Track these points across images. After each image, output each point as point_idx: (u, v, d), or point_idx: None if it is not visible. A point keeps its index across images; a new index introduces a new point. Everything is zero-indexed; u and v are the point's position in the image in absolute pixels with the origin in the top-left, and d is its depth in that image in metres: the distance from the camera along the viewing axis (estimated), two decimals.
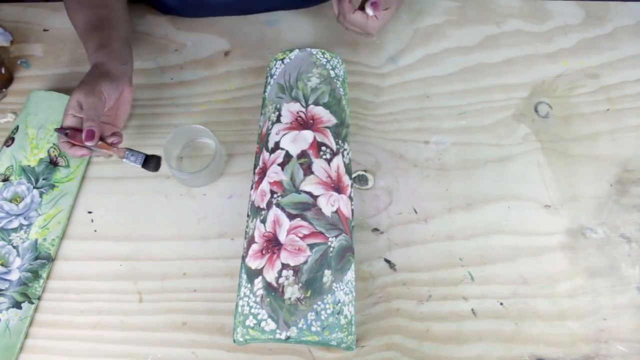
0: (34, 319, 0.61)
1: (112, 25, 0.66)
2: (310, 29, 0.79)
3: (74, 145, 0.58)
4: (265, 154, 0.61)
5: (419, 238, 0.64)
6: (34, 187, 0.63)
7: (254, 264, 0.55)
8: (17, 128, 0.66)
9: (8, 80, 0.74)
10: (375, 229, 0.65)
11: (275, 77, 0.66)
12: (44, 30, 0.79)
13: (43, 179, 0.64)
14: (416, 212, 0.66)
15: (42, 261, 0.62)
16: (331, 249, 0.54)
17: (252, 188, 0.61)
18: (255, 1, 0.77)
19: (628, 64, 0.75)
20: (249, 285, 0.54)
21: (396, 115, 0.71)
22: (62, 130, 0.57)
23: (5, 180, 0.62)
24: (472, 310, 0.61)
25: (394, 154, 0.69)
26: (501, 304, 0.61)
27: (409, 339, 0.59)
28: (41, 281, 0.62)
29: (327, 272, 0.53)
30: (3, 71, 0.73)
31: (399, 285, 0.62)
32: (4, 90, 0.74)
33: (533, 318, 0.60)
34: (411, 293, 0.61)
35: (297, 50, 0.66)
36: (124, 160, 0.60)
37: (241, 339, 0.52)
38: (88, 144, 0.56)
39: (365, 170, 0.68)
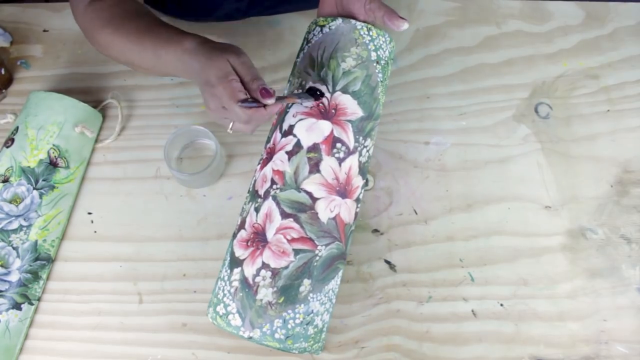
0: (34, 320, 0.61)
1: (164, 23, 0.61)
2: None
3: (262, 107, 0.50)
4: (277, 135, 0.56)
5: (419, 239, 0.64)
6: (34, 188, 0.63)
7: (238, 251, 0.53)
8: (16, 129, 0.65)
9: (8, 81, 0.74)
10: (376, 230, 0.65)
11: (310, 45, 0.58)
12: (44, 31, 0.79)
13: (43, 180, 0.64)
14: (416, 213, 0.66)
15: (42, 262, 0.62)
16: (317, 257, 0.51)
17: (259, 163, 0.57)
18: (259, 11, 0.77)
19: (628, 65, 0.75)
20: (229, 271, 0.53)
21: (396, 116, 0.71)
22: (246, 100, 0.49)
23: (5, 181, 0.62)
24: (472, 311, 0.61)
25: (394, 154, 0.69)
26: (501, 304, 0.61)
27: (409, 339, 0.59)
28: (41, 282, 0.62)
29: (307, 282, 0.51)
30: (3, 72, 0.72)
31: (399, 286, 0.62)
32: (3, 91, 0.74)
33: (533, 319, 0.60)
34: (411, 294, 0.61)
35: (339, 20, 0.56)
36: (301, 101, 0.55)
37: (210, 320, 0.52)
38: (270, 101, 0.49)
39: None
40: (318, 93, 0.55)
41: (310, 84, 0.56)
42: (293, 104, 0.56)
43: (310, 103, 0.55)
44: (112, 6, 0.60)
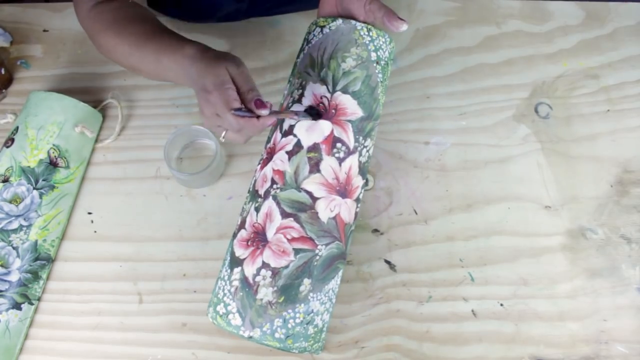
0: (34, 320, 0.61)
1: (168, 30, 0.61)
2: None
3: (256, 118, 0.50)
4: (278, 135, 0.56)
5: (419, 239, 0.64)
6: (34, 188, 0.63)
7: (238, 250, 0.53)
8: (16, 129, 0.65)
9: (8, 81, 0.74)
10: (376, 230, 0.65)
11: (310, 45, 0.58)
12: (44, 30, 0.79)
13: (43, 180, 0.64)
14: (416, 212, 0.66)
15: (42, 262, 0.62)
16: (317, 257, 0.52)
17: (259, 163, 0.57)
18: (260, 12, 0.77)
19: (628, 65, 0.75)
20: (229, 271, 0.53)
21: (396, 116, 0.71)
22: (240, 109, 0.49)
23: (5, 181, 0.62)
24: (472, 311, 0.61)
25: (394, 154, 0.69)
26: (501, 304, 0.61)
27: (409, 339, 0.59)
28: (41, 282, 0.62)
29: (307, 281, 0.51)
30: (3, 72, 0.72)
31: (399, 286, 0.62)
32: (3, 91, 0.74)
33: (533, 319, 0.60)
34: (411, 294, 0.61)
35: (339, 21, 0.56)
36: (299, 118, 0.55)
37: (210, 319, 0.53)
38: (264, 112, 0.49)
39: None
40: (316, 113, 0.55)
41: (310, 83, 0.56)
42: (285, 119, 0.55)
43: (306, 120, 0.55)
44: (116, 9, 0.60)
